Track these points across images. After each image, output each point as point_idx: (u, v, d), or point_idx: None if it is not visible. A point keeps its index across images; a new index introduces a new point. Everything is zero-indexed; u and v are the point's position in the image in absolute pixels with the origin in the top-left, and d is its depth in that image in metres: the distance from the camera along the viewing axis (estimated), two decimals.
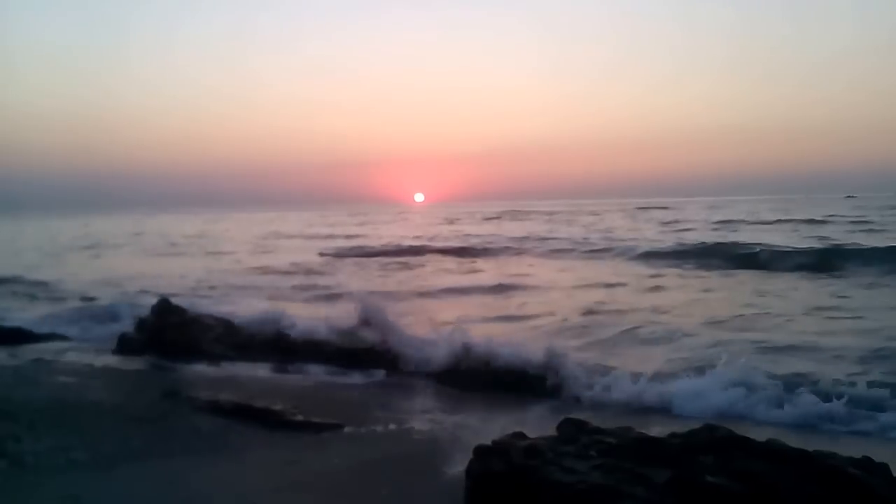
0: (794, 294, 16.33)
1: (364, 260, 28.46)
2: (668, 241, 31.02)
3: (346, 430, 7.08)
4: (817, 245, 25.70)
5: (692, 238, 32.18)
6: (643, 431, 5.04)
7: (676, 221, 48.95)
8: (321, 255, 31.04)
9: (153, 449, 6.50)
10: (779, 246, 25.23)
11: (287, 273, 23.45)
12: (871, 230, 34.16)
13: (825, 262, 21.35)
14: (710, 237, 32.53)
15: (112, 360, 10.60)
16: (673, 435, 4.86)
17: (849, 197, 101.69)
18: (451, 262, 27.10)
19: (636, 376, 8.42)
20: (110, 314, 13.52)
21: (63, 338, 12.23)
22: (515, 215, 69.56)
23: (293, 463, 6.12)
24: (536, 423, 6.58)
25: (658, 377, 8.46)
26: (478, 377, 9.17)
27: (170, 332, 11.32)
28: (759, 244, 25.92)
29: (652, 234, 36.91)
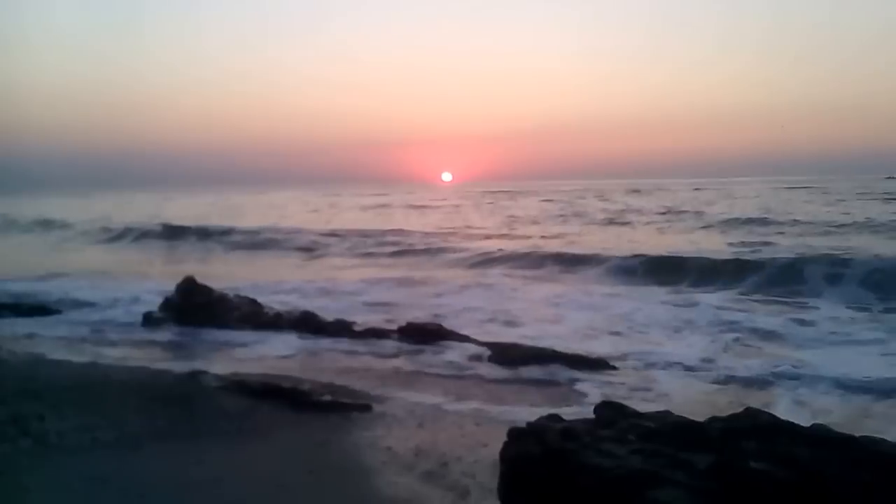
0: None
1: None
2: None
3: (376, 410, 6.99)
4: None
5: None
6: (683, 416, 4.86)
7: None
8: None
9: (179, 429, 6.44)
10: None
11: None
12: None
13: None
14: None
15: (138, 339, 10.56)
16: (714, 419, 4.68)
17: (889, 178, 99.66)
18: None
19: None
20: None
21: (89, 315, 12.21)
22: None
23: (322, 444, 6.03)
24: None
25: None
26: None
27: (196, 311, 11.28)
28: None
29: None
